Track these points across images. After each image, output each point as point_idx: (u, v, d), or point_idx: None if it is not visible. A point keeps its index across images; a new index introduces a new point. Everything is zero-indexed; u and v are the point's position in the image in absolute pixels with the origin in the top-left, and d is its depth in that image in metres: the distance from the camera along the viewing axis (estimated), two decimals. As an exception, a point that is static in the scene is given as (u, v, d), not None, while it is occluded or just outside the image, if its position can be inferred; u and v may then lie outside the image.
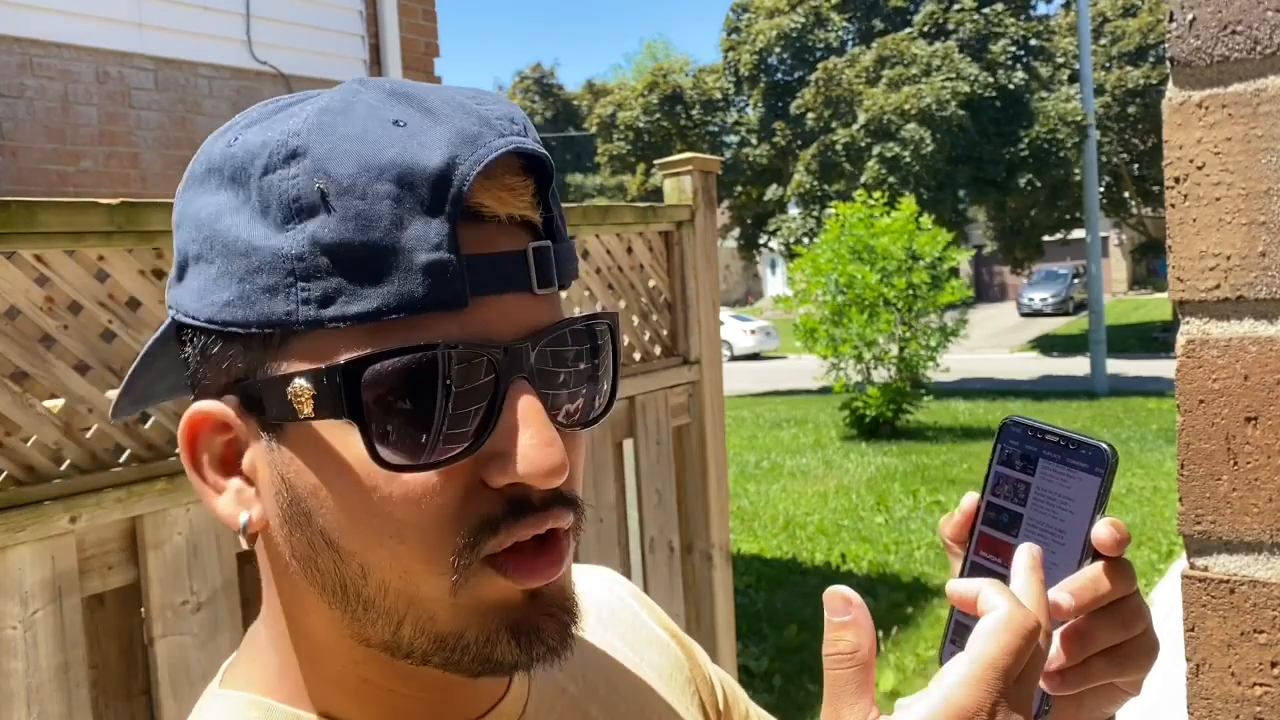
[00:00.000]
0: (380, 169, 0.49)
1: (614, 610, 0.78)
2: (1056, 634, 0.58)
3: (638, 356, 3.75)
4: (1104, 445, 0.59)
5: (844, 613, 0.53)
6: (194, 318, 0.53)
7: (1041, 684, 0.58)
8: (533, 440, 0.50)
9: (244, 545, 0.55)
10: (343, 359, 0.49)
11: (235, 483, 0.55)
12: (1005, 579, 0.58)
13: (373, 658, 0.56)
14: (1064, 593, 0.57)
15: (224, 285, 0.51)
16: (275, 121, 0.52)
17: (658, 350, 3.87)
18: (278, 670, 0.59)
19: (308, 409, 0.50)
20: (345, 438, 0.51)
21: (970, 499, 0.64)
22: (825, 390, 15.61)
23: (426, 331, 0.49)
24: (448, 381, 0.49)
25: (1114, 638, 0.59)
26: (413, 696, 0.58)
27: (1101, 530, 0.58)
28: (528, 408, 0.51)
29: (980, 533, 0.63)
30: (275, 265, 0.49)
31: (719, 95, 24.30)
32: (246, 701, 0.58)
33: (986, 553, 0.62)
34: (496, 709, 0.63)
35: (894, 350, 12.78)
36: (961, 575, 0.63)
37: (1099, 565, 0.58)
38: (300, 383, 0.50)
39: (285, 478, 0.53)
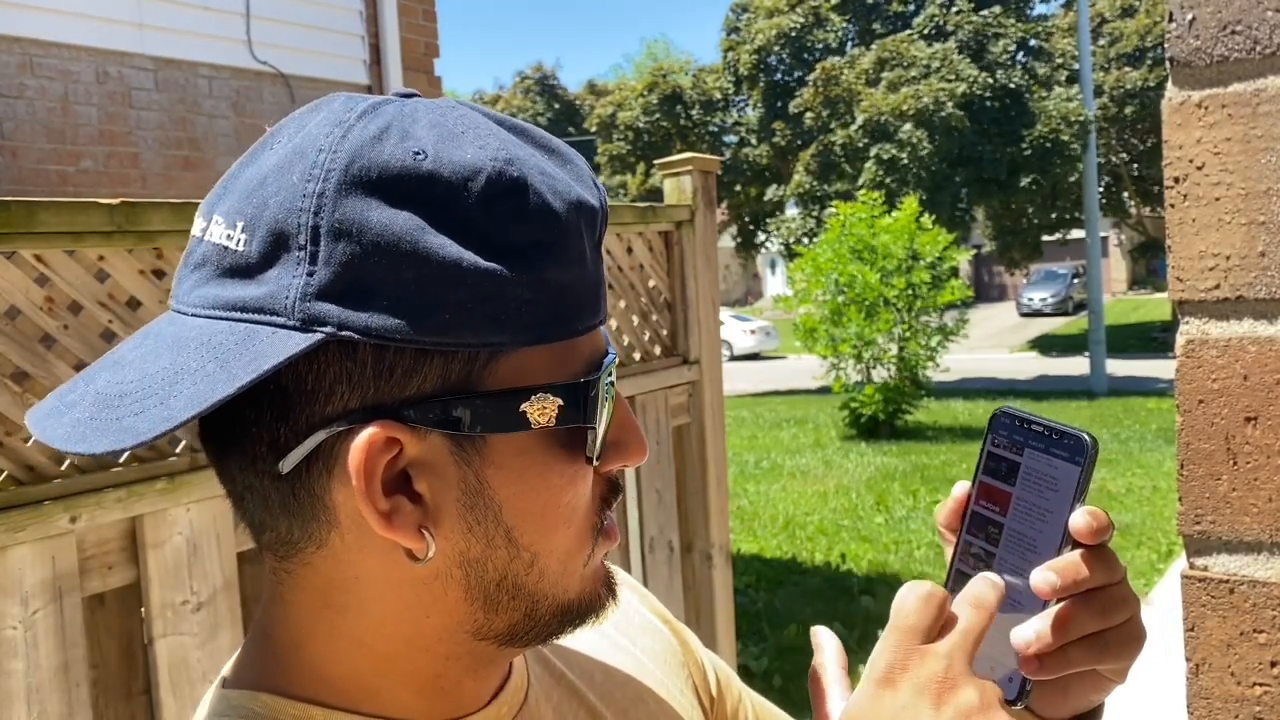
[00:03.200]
0: (575, 206, 0.55)
1: None
2: (1036, 619, 0.60)
3: (637, 356, 3.75)
4: (1084, 435, 0.61)
5: (815, 644, 0.68)
6: (380, 336, 0.50)
7: (1020, 668, 0.60)
8: (636, 432, 0.62)
9: (417, 556, 0.55)
10: (593, 373, 0.57)
11: (399, 501, 0.54)
12: (992, 559, 0.64)
13: (459, 654, 0.60)
14: (1047, 572, 0.60)
15: (429, 305, 0.50)
16: (465, 141, 0.53)
17: (657, 350, 3.87)
18: (307, 671, 0.59)
19: (545, 419, 0.55)
20: (550, 440, 0.56)
21: (962, 487, 0.67)
22: (825, 390, 15.61)
23: (590, 346, 0.58)
24: (612, 381, 0.59)
25: (1094, 625, 0.60)
26: (465, 686, 0.62)
27: (1078, 519, 0.60)
28: (624, 404, 0.62)
29: (971, 516, 0.66)
30: (500, 292, 0.52)
31: (719, 95, 24.29)
32: (251, 698, 0.59)
33: (976, 536, 0.66)
34: (498, 698, 0.65)
35: (893, 350, 12.78)
36: (953, 558, 0.67)
37: (1078, 552, 0.60)
38: (544, 396, 0.54)
39: (479, 484, 0.55)
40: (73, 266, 2.10)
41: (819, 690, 0.65)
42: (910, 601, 0.59)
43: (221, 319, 0.52)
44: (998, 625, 0.62)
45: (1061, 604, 0.60)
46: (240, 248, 0.52)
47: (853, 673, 0.65)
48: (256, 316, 0.51)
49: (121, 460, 2.19)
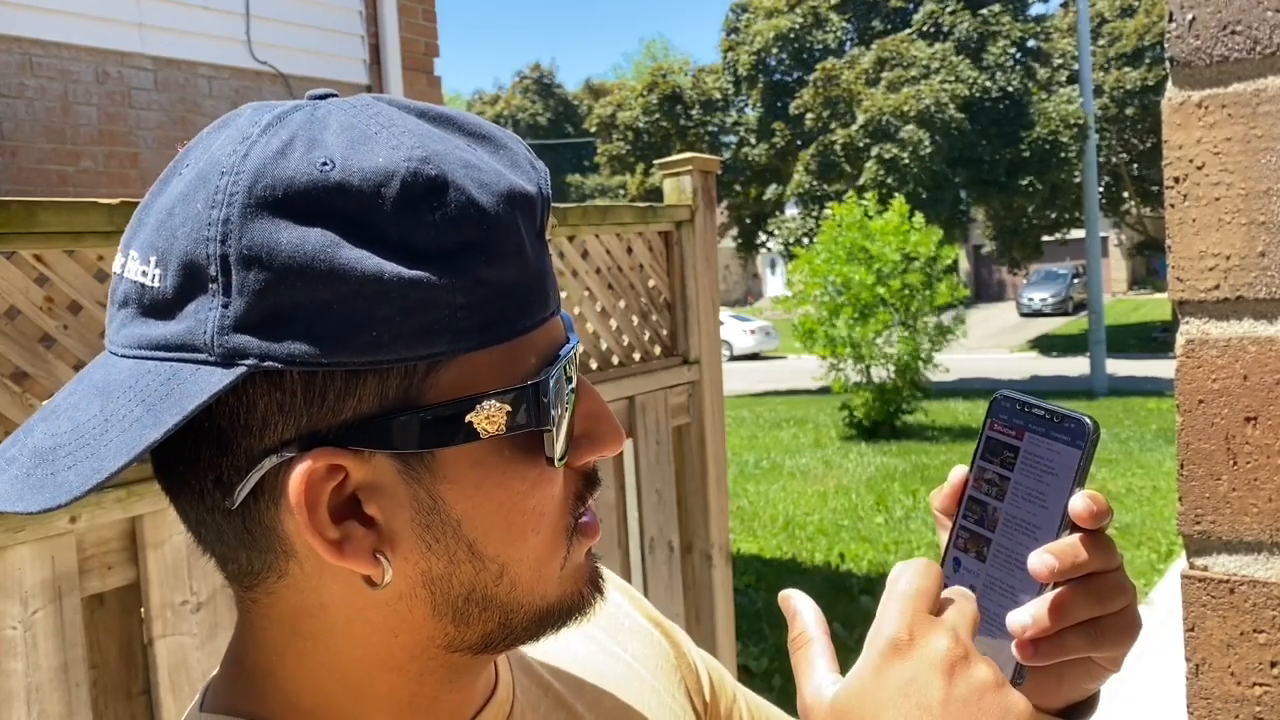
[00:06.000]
0: (506, 197, 0.51)
1: None
2: (1032, 603, 0.60)
3: (637, 356, 3.75)
4: (1086, 418, 0.60)
5: (789, 610, 0.62)
6: (305, 363, 0.48)
7: (1015, 653, 0.60)
8: (608, 420, 0.59)
9: (375, 581, 0.53)
10: (543, 371, 0.54)
11: (350, 527, 0.52)
12: (989, 544, 0.63)
13: (433, 669, 0.58)
14: (1044, 555, 0.59)
15: (354, 324, 0.48)
16: (376, 143, 0.50)
17: (657, 350, 3.87)
18: (280, 697, 0.58)
19: (494, 427, 0.52)
20: (505, 446, 0.53)
21: (959, 471, 0.67)
22: (825, 390, 15.61)
23: (545, 339, 0.55)
24: (571, 375, 0.56)
25: (1090, 611, 0.59)
26: (442, 700, 0.60)
27: (1078, 502, 0.59)
28: (592, 392, 0.59)
29: (968, 500, 0.65)
30: (430, 301, 0.49)
31: (718, 95, 24.29)
32: None
33: (972, 521, 0.65)
34: (483, 713, 0.63)
35: (891, 350, 12.78)
36: (949, 543, 0.66)
37: (1077, 536, 0.60)
38: (491, 403, 0.52)
39: (432, 501, 0.53)
40: (72, 266, 2.10)
41: (804, 660, 0.59)
42: (911, 568, 0.57)
43: (147, 359, 0.51)
44: (991, 611, 0.62)
45: (1059, 589, 0.59)
46: (156, 284, 0.50)
47: (848, 672, 0.63)
48: (179, 355, 0.50)
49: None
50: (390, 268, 0.48)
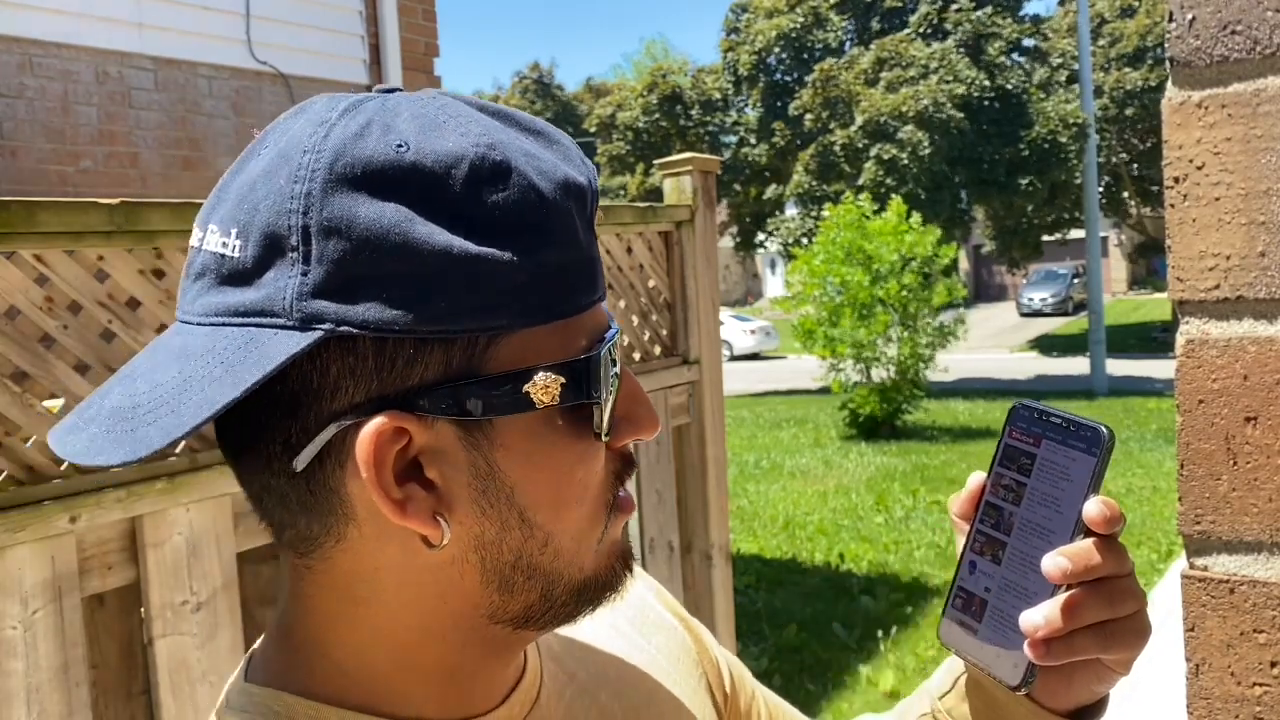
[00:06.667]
0: (563, 186, 0.55)
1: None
2: (1045, 604, 0.62)
3: (637, 356, 3.75)
4: (1102, 427, 0.63)
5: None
6: (378, 329, 0.51)
7: (1027, 652, 0.62)
8: (646, 404, 0.62)
9: (432, 542, 0.56)
10: (594, 348, 0.57)
11: (412, 489, 0.54)
12: (1004, 548, 0.65)
13: (473, 641, 0.60)
14: (1058, 557, 0.61)
15: (424, 294, 0.51)
16: (446, 130, 0.53)
17: (657, 350, 3.87)
18: (328, 666, 0.60)
19: (549, 398, 0.55)
20: (557, 419, 0.57)
21: (977, 477, 0.69)
22: (825, 390, 15.61)
23: (593, 322, 0.58)
24: (615, 358, 0.59)
25: (1102, 613, 0.61)
26: (479, 677, 0.63)
27: (1092, 507, 0.61)
28: (631, 377, 0.62)
29: (985, 506, 0.67)
30: (493, 276, 0.52)
31: (718, 95, 24.27)
32: (274, 696, 0.60)
33: (989, 526, 0.67)
34: (511, 698, 0.65)
35: (891, 351, 12.78)
36: (965, 546, 0.69)
37: (1091, 540, 0.62)
38: (546, 375, 0.55)
39: (489, 467, 0.56)
40: (73, 266, 2.10)
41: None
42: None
43: (224, 325, 0.53)
44: (1004, 612, 0.64)
45: (1071, 591, 0.61)
46: (236, 254, 0.53)
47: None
48: (257, 320, 0.52)
49: (121, 460, 2.19)
50: (458, 243, 0.51)
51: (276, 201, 0.52)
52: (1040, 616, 0.61)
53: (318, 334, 0.51)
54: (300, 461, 0.53)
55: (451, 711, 0.61)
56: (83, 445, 0.53)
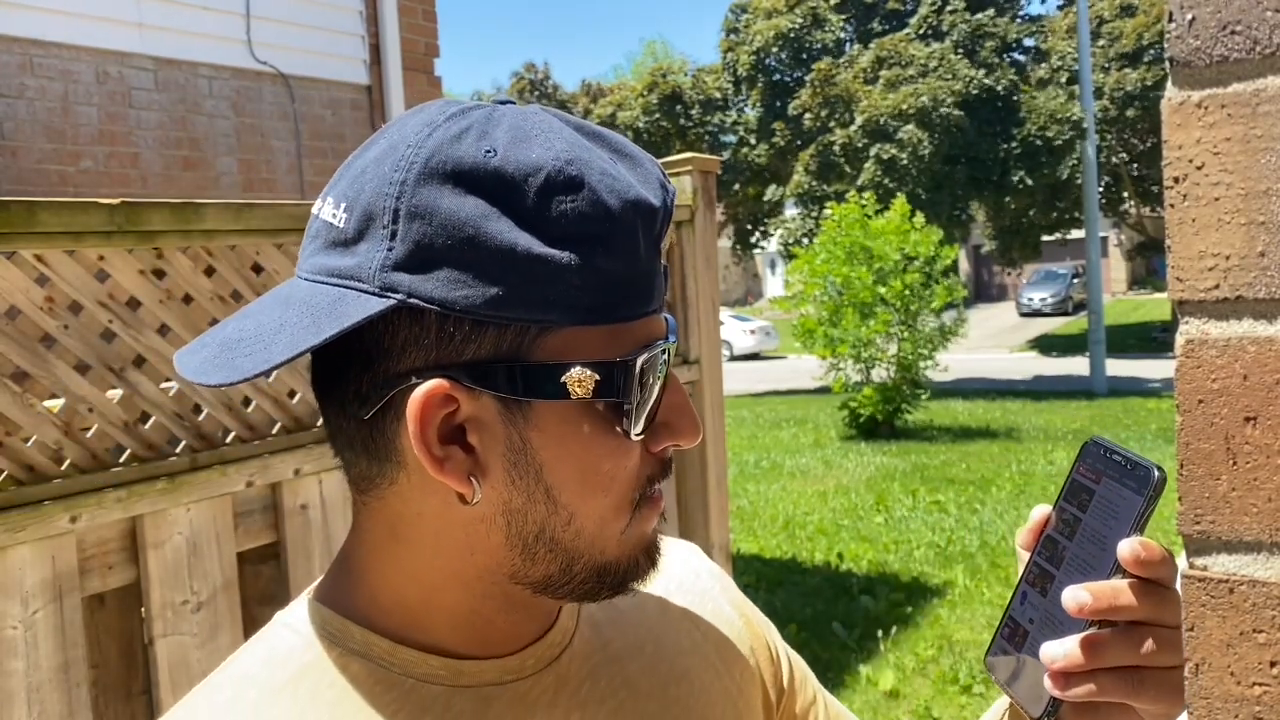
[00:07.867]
0: (632, 204, 0.60)
1: (682, 582, 0.86)
2: (1070, 638, 0.61)
3: (637, 356, 3.75)
4: (1154, 468, 0.62)
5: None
6: (442, 305, 0.58)
7: (1047, 682, 0.61)
8: (690, 414, 0.67)
9: (466, 499, 0.63)
10: (633, 354, 0.62)
11: (453, 450, 0.61)
12: (1053, 579, 0.66)
13: (494, 593, 0.67)
14: (1079, 590, 0.61)
15: (487, 282, 0.58)
16: (534, 142, 0.60)
17: (657, 350, 3.87)
18: (367, 594, 0.68)
19: (583, 390, 0.60)
20: (591, 412, 0.62)
21: (1041, 510, 0.70)
22: (825, 390, 15.62)
23: (644, 331, 0.63)
24: (664, 367, 0.64)
25: (1128, 658, 0.60)
26: (497, 624, 0.68)
27: (1124, 545, 0.61)
28: (679, 388, 0.67)
29: (1045, 539, 0.69)
30: (552, 276, 0.58)
31: (718, 95, 24.29)
32: (335, 620, 0.67)
33: (1044, 558, 0.68)
34: (530, 648, 0.70)
35: (891, 350, 12.78)
36: (1022, 576, 0.70)
37: (1125, 580, 0.60)
38: (582, 370, 0.60)
39: (522, 444, 0.62)
40: (73, 266, 2.10)
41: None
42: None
43: (323, 283, 0.61)
44: (1039, 643, 0.63)
45: (1100, 629, 0.60)
46: (341, 225, 0.61)
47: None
48: (347, 282, 0.60)
49: (121, 460, 2.19)
50: (524, 241, 0.58)
51: (378, 185, 0.60)
52: (1060, 649, 0.61)
53: (391, 301, 0.58)
54: (366, 411, 0.61)
55: (469, 648, 0.68)
56: (196, 365, 0.62)
